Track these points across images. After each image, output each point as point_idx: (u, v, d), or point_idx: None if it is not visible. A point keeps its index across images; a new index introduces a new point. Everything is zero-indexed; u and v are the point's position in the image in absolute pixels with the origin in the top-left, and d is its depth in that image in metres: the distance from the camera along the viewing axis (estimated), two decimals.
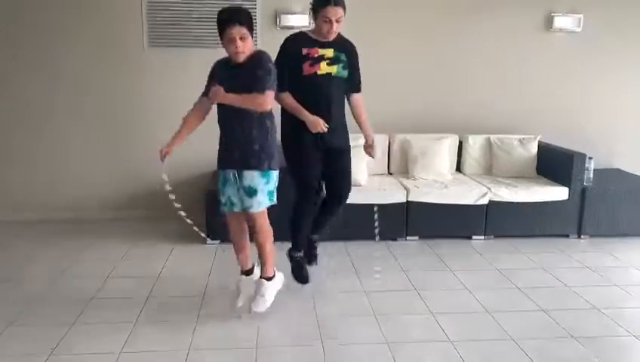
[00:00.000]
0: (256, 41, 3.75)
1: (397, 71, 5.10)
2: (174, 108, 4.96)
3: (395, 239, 4.57)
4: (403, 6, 5.03)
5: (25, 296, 3.42)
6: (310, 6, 3.24)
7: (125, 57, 4.87)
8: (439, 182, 4.73)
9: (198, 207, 4.60)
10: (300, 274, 3.50)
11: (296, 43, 3.22)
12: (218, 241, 4.39)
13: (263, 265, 3.15)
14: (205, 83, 3.07)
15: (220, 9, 2.94)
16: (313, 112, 3.19)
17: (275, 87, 2.93)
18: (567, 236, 4.73)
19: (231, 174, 3.00)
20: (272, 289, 3.15)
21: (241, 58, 2.86)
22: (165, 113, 4.94)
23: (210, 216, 4.34)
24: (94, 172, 5.05)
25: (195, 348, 2.85)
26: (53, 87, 4.88)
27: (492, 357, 2.82)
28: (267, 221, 3.07)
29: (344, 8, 3.16)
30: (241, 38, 2.81)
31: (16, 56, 4.80)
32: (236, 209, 3.06)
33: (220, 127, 3.04)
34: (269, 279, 3.14)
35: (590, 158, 4.69)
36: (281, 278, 3.26)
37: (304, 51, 3.19)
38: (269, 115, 2.97)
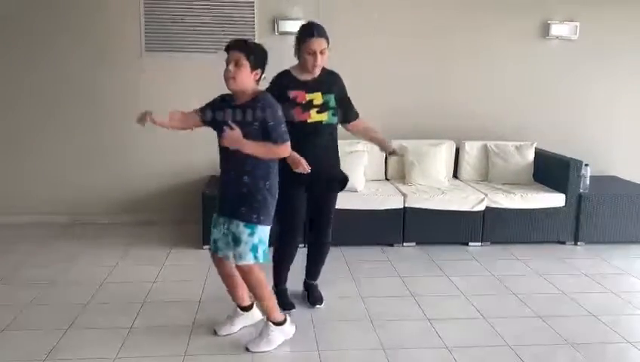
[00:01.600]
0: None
1: (393, 77, 5.12)
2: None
3: (391, 245, 4.58)
4: (400, 14, 5.06)
5: (19, 300, 3.40)
6: (294, 41, 3.14)
7: (123, 62, 4.88)
8: (436, 188, 4.74)
9: (194, 210, 4.62)
10: (284, 302, 3.32)
11: (282, 85, 3.10)
12: None
13: (264, 311, 2.96)
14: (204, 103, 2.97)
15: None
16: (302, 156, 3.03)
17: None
18: (564, 243, 4.74)
19: (221, 219, 2.87)
20: (279, 335, 2.92)
21: (232, 85, 2.73)
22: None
23: (207, 219, 4.32)
24: (90, 176, 5.04)
25: (191, 353, 2.84)
26: (51, 92, 4.88)
27: None
28: (254, 277, 2.82)
29: (327, 40, 3.08)
30: (236, 64, 2.70)
31: (14, 61, 4.81)
32: (220, 254, 2.91)
33: (220, 160, 2.91)
34: (275, 323, 2.93)
35: (586, 165, 4.71)
36: (292, 330, 2.99)
37: (291, 95, 3.07)
38: (272, 163, 2.83)
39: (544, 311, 3.42)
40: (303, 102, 3.10)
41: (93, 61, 4.86)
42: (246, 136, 2.69)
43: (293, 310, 3.32)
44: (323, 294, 3.51)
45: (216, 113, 2.85)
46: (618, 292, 3.76)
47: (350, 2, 4.95)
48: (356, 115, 3.41)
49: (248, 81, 2.74)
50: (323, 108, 3.14)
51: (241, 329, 3.07)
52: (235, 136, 2.67)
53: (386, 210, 4.50)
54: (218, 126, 2.81)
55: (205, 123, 2.92)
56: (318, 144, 3.16)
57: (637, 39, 5.32)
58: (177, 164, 5.09)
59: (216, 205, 2.93)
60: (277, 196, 2.88)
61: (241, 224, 2.76)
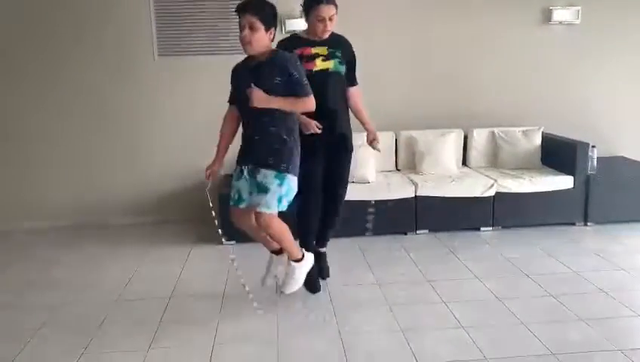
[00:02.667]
0: None
1: (399, 68, 5.23)
2: (186, 114, 5.17)
3: (405, 233, 4.69)
4: (404, 3, 5.15)
5: (50, 300, 3.56)
6: (301, 7, 3.27)
7: (137, 67, 5.02)
8: (446, 176, 4.84)
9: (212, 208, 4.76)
10: (310, 283, 3.46)
11: (289, 46, 3.20)
12: (234, 242, 4.51)
13: (287, 252, 3.15)
14: (230, 90, 3.13)
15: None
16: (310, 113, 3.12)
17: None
18: (574, 224, 4.83)
19: (246, 169, 3.00)
20: (300, 270, 3.16)
21: (249, 49, 2.83)
22: (177, 120, 5.13)
23: (225, 217, 4.46)
24: (111, 178, 5.20)
25: (219, 343, 2.98)
26: (69, 98, 5.04)
27: (503, 340, 2.93)
28: (276, 221, 2.96)
29: (336, 6, 3.19)
30: (251, 27, 2.78)
31: (34, 70, 4.97)
32: (242, 205, 3.04)
33: (243, 123, 3.03)
34: (297, 261, 3.15)
35: (593, 147, 4.79)
36: (310, 259, 3.24)
37: (297, 52, 3.16)
38: (295, 120, 2.97)
39: (556, 289, 3.53)
40: (309, 54, 3.19)
41: (108, 67, 5.01)
42: (268, 92, 2.80)
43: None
44: (339, 281, 3.65)
45: (238, 81, 2.97)
46: (628, 269, 3.85)
47: None
48: (356, 81, 3.49)
49: (264, 41, 2.85)
50: (328, 57, 3.23)
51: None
52: (259, 94, 2.78)
53: (398, 200, 4.62)
54: (240, 91, 2.92)
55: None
56: (327, 91, 3.19)
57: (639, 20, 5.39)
58: (193, 165, 5.21)
59: (238, 157, 3.05)
60: (300, 152, 2.99)
61: (271, 174, 2.87)
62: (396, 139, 5.16)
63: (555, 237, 4.54)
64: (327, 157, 3.37)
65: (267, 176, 2.89)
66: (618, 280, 3.67)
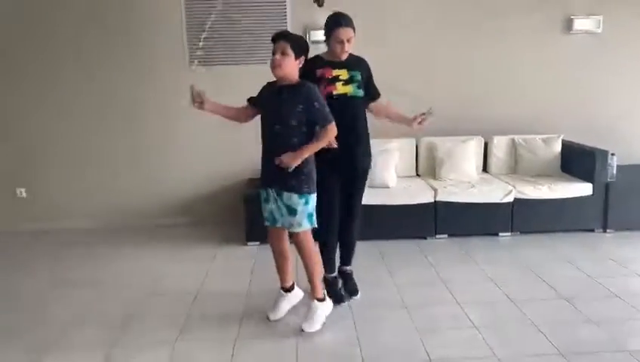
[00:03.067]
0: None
1: (421, 76, 5.36)
2: (215, 122, 5.37)
3: (424, 237, 4.81)
4: (427, 13, 5.30)
5: (86, 294, 3.81)
6: (324, 31, 3.43)
7: (167, 75, 5.28)
8: (466, 182, 4.95)
9: (236, 210, 4.99)
10: (336, 294, 3.58)
11: (311, 66, 3.31)
12: (258, 243, 4.71)
13: (311, 285, 3.28)
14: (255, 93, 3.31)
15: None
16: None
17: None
18: (593, 230, 4.88)
19: (272, 192, 3.17)
20: (322, 311, 3.25)
21: (277, 72, 3.05)
22: (207, 128, 5.34)
23: (249, 219, 4.67)
24: (137, 183, 5.47)
25: (242, 338, 3.16)
26: (105, 104, 5.33)
27: (513, 340, 3.05)
28: (310, 242, 3.19)
29: (354, 29, 3.36)
30: (282, 53, 3.01)
31: (72, 76, 5.26)
32: (278, 224, 3.21)
33: (263, 145, 3.21)
34: (319, 300, 3.27)
35: (612, 155, 4.84)
36: (330, 304, 3.34)
37: (318, 72, 3.32)
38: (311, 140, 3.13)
39: (569, 293, 3.62)
40: (330, 76, 3.35)
41: (141, 75, 5.28)
42: (289, 114, 3.01)
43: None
44: (359, 282, 3.77)
45: (265, 102, 3.17)
46: None
47: (371, 10, 5.21)
48: (378, 94, 3.63)
49: (292, 67, 3.06)
50: (348, 81, 3.38)
51: (288, 310, 3.38)
52: (289, 157, 2.98)
53: (418, 205, 4.75)
54: (265, 108, 3.15)
55: (256, 109, 3.26)
56: (346, 115, 3.32)
57: None
58: (218, 169, 5.46)
59: (261, 179, 3.22)
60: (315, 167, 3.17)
61: (295, 196, 3.07)
62: (417, 146, 5.30)
63: (573, 244, 4.61)
64: (344, 177, 3.50)
65: (292, 198, 3.09)
66: (632, 286, 3.74)
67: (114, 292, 3.87)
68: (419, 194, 4.79)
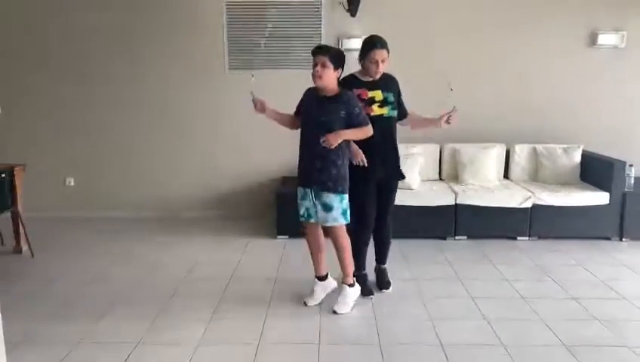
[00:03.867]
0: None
1: (447, 85, 5.58)
2: (249, 122, 5.73)
3: (444, 238, 5.06)
4: (454, 25, 5.56)
5: (131, 276, 4.19)
6: (360, 50, 3.71)
7: (210, 79, 5.66)
8: (486, 187, 5.18)
9: (269, 206, 5.33)
10: (365, 288, 3.83)
11: (348, 84, 3.63)
12: (287, 236, 5.02)
13: (343, 272, 3.60)
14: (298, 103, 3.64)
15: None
16: (366, 149, 3.56)
17: None
18: (609, 238, 5.05)
19: (309, 191, 3.47)
20: (352, 295, 3.59)
21: (318, 82, 3.37)
22: (244, 128, 5.70)
23: (280, 214, 4.99)
24: (178, 177, 5.86)
25: (271, 315, 3.49)
26: (149, 103, 5.74)
27: (521, 332, 3.29)
28: (344, 236, 3.51)
29: (388, 51, 3.64)
30: (322, 65, 3.32)
31: (122, 77, 5.70)
32: (313, 220, 3.51)
33: (302, 148, 3.53)
34: (350, 285, 3.61)
35: (630, 166, 5.01)
36: (358, 289, 3.66)
37: (356, 92, 3.56)
38: (345, 146, 3.46)
39: (580, 294, 3.83)
40: (366, 98, 3.65)
41: (186, 78, 5.68)
42: (334, 121, 3.35)
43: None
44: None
45: (308, 108, 3.50)
46: None
47: (400, 19, 5.49)
48: (407, 113, 3.94)
49: (332, 78, 3.39)
50: (383, 103, 3.68)
51: (323, 297, 3.68)
52: (331, 137, 3.29)
53: (439, 206, 5.00)
54: (307, 114, 3.48)
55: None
56: (381, 136, 3.63)
57: None
58: (252, 167, 5.81)
59: (299, 179, 3.54)
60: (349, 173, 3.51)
61: (332, 195, 3.40)
62: (441, 151, 5.55)
63: (588, 250, 4.79)
64: (378, 190, 3.79)
65: (329, 196, 3.42)
66: (639, 290, 3.93)
67: (153, 274, 4.23)
68: (440, 196, 5.04)
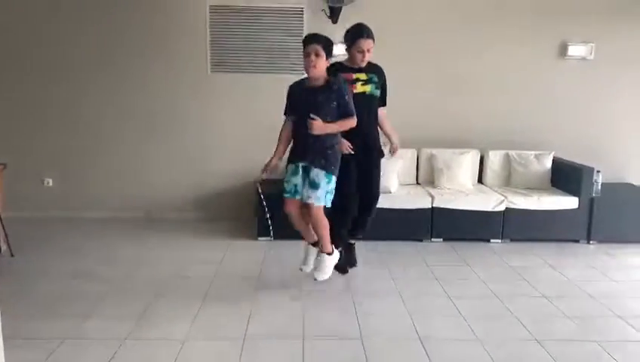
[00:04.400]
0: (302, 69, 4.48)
1: (424, 93, 5.79)
2: (232, 124, 5.81)
3: (421, 240, 5.21)
4: (429, 37, 5.74)
5: (113, 276, 4.21)
6: (344, 36, 3.93)
7: (192, 81, 5.73)
8: (461, 191, 5.36)
9: (249, 208, 5.41)
10: (340, 268, 4.08)
11: (334, 70, 3.80)
12: (268, 238, 5.11)
13: (321, 242, 3.76)
14: (285, 104, 3.78)
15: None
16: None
17: None
18: (578, 241, 5.27)
19: (301, 166, 3.61)
20: (329, 262, 3.77)
21: (313, 72, 3.50)
22: (224, 129, 5.79)
23: (261, 215, 5.07)
24: (162, 179, 5.90)
25: (255, 312, 3.57)
26: (134, 105, 5.78)
27: (495, 327, 3.44)
28: (322, 215, 3.63)
29: (374, 40, 3.85)
30: (316, 55, 3.46)
31: (111, 78, 5.73)
32: (298, 196, 3.63)
33: (298, 132, 3.65)
34: (328, 253, 3.77)
35: (598, 172, 5.24)
36: (337, 255, 3.85)
37: (341, 76, 3.77)
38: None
39: (550, 293, 4.01)
40: (350, 79, 3.82)
41: (167, 79, 5.74)
42: (327, 112, 3.49)
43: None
44: (360, 276, 4.21)
45: (297, 101, 3.63)
46: (618, 280, 4.31)
47: (384, 27, 5.64)
48: (384, 103, 4.12)
49: (324, 67, 3.55)
50: (367, 82, 3.88)
51: (314, 262, 3.84)
52: (318, 124, 3.46)
53: (416, 209, 5.15)
54: (299, 107, 3.61)
55: (293, 115, 3.72)
56: (364, 110, 3.80)
57: None
58: (234, 169, 5.88)
59: (292, 157, 3.67)
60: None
61: (322, 173, 3.54)
62: (418, 156, 5.72)
63: (558, 252, 5.00)
64: (361, 166, 3.97)
65: (319, 174, 3.56)
66: (606, 289, 4.12)
67: (136, 275, 4.27)
68: (417, 199, 5.19)
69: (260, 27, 5.64)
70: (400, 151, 5.40)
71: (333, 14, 5.56)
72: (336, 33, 5.59)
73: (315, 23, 5.62)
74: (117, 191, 5.89)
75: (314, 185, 3.56)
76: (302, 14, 5.64)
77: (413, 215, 5.17)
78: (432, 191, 5.36)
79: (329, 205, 3.68)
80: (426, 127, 5.80)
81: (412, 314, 3.60)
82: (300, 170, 3.64)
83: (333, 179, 3.63)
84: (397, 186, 5.34)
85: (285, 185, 3.69)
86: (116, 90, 5.75)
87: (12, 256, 4.60)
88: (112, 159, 5.86)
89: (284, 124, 3.83)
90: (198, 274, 4.24)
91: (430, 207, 5.17)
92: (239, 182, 5.87)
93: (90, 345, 3.13)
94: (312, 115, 3.49)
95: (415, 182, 5.74)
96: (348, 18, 5.55)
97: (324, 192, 3.59)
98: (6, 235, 4.65)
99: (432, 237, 5.23)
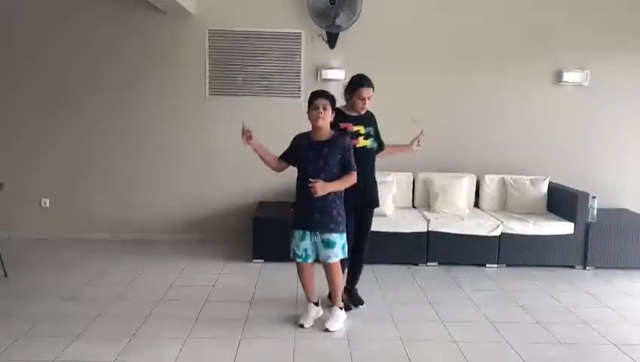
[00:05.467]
0: (299, 91, 4.53)
1: (422, 119, 5.80)
2: (227, 147, 5.84)
3: (416, 264, 5.20)
4: (428, 63, 5.81)
5: (104, 297, 4.20)
6: (344, 86, 4.01)
7: (189, 104, 5.79)
8: (457, 215, 5.36)
9: (245, 230, 5.40)
10: (355, 299, 4.19)
11: (336, 119, 3.82)
12: (262, 261, 5.10)
13: (335, 297, 3.84)
14: (286, 148, 3.79)
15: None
16: None
17: None
18: (574, 267, 5.25)
19: (309, 233, 3.66)
20: (342, 316, 3.82)
21: (321, 123, 3.62)
22: (221, 152, 5.82)
23: (256, 238, 5.08)
24: (157, 201, 5.92)
25: (245, 337, 3.55)
26: (130, 126, 5.82)
27: (487, 354, 3.42)
28: (339, 268, 3.76)
29: (373, 89, 3.94)
30: (324, 108, 3.60)
31: (104, 101, 5.78)
32: (310, 260, 3.72)
33: (300, 192, 3.69)
34: (340, 308, 3.84)
35: (594, 197, 5.25)
36: (345, 315, 3.88)
37: (341, 125, 3.84)
38: None
39: (544, 318, 3.99)
40: (352, 131, 3.90)
41: (164, 102, 5.79)
42: (333, 165, 3.60)
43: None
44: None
45: (301, 154, 3.68)
46: (613, 307, 4.28)
47: (377, 53, 5.72)
48: (384, 145, 4.21)
49: (329, 120, 3.67)
50: (366, 136, 3.96)
51: (314, 319, 3.83)
52: (321, 185, 3.53)
53: (412, 233, 5.15)
54: (304, 160, 3.66)
55: (289, 163, 3.79)
56: (365, 167, 3.89)
57: None
58: (229, 192, 5.90)
59: (298, 222, 3.70)
60: None
61: (336, 234, 3.64)
62: (414, 180, 5.73)
63: (554, 277, 4.98)
64: (357, 216, 4.02)
65: (332, 236, 3.65)
66: (601, 316, 4.09)
67: (128, 296, 4.26)
68: (413, 223, 5.19)
69: (258, 52, 5.71)
70: (396, 175, 5.53)
71: (331, 39, 5.64)
72: (333, 58, 5.72)
73: (312, 48, 5.70)
74: (112, 213, 5.91)
75: (330, 245, 3.65)
76: (300, 39, 5.71)
77: (409, 238, 5.16)
78: (428, 215, 5.37)
79: (346, 255, 3.75)
80: (423, 151, 5.77)
81: (404, 339, 3.57)
82: (309, 236, 3.69)
83: (344, 234, 3.71)
84: (393, 210, 5.34)
85: (295, 249, 3.74)
86: (113, 113, 5.80)
87: (5, 275, 4.59)
88: (108, 181, 5.89)
89: (278, 157, 3.83)
90: (190, 297, 4.23)
91: (426, 230, 5.17)
92: (235, 204, 5.88)
93: None
94: (311, 179, 3.53)
95: (411, 205, 5.74)
96: (345, 43, 5.66)
97: (340, 248, 3.69)
98: (0, 255, 4.65)
99: (427, 261, 5.21)
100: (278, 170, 3.82)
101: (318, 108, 3.61)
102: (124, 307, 4.02)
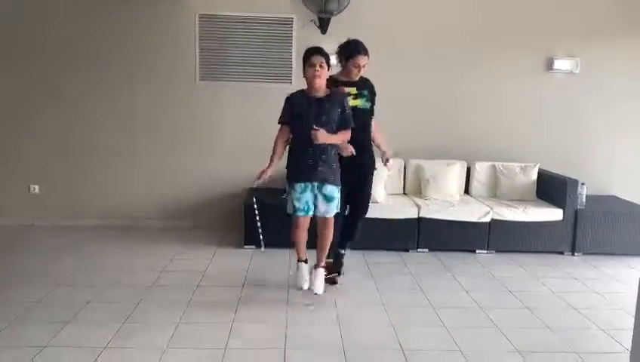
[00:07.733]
0: (291, 77, 4.51)
1: (413, 105, 5.83)
2: (218, 133, 5.82)
3: (407, 250, 5.23)
4: (419, 51, 5.80)
5: (98, 282, 4.20)
6: (338, 50, 4.01)
7: (180, 89, 5.75)
8: (448, 202, 5.39)
9: (237, 216, 5.40)
10: (329, 278, 4.20)
11: (332, 82, 3.92)
12: (253, 246, 5.11)
13: (322, 256, 3.94)
14: (281, 113, 3.85)
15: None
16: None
17: None
18: (562, 253, 5.31)
19: (311, 185, 3.74)
20: (323, 276, 3.94)
21: (318, 82, 3.65)
22: (210, 138, 5.80)
23: (248, 224, 5.07)
24: (148, 187, 5.89)
25: (237, 321, 3.56)
26: (123, 114, 5.78)
27: (477, 339, 3.45)
28: (332, 227, 3.87)
29: (369, 56, 3.97)
30: (320, 66, 3.63)
31: (98, 88, 5.73)
32: (311, 213, 3.80)
33: (300, 148, 3.76)
34: (322, 267, 3.96)
35: (583, 184, 5.29)
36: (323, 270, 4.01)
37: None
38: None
39: (532, 304, 4.03)
40: (343, 93, 3.91)
41: (155, 87, 5.75)
42: (331, 122, 3.68)
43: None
44: (346, 286, 4.23)
45: (301, 111, 3.72)
46: (601, 292, 4.33)
47: (369, 39, 5.69)
48: (372, 113, 4.19)
49: (325, 77, 3.71)
50: (357, 96, 3.99)
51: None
52: (323, 134, 3.62)
53: (403, 219, 5.17)
54: (303, 116, 3.70)
55: (291, 124, 3.83)
56: (359, 129, 3.90)
57: (631, 71, 5.93)
58: (221, 178, 5.88)
59: (299, 176, 3.76)
60: None
61: (334, 187, 3.77)
62: (405, 166, 5.74)
63: (542, 263, 5.03)
64: (353, 178, 4.04)
65: (332, 189, 3.77)
66: (588, 301, 4.15)
67: (121, 281, 4.25)
68: (404, 210, 5.22)
69: (249, 36, 5.67)
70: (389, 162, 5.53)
71: (323, 25, 5.60)
72: (325, 43, 5.67)
73: (304, 33, 5.66)
74: (103, 199, 5.87)
75: (330, 200, 3.77)
76: (291, 24, 5.67)
77: (400, 225, 5.19)
78: (419, 201, 5.39)
79: (339, 210, 3.89)
80: (414, 138, 5.82)
81: (395, 324, 3.60)
82: (312, 188, 3.75)
83: (340, 189, 3.84)
84: (384, 196, 5.35)
85: (296, 203, 3.78)
86: (104, 98, 5.74)
87: None
88: (98, 166, 5.85)
89: (279, 132, 3.89)
90: (181, 283, 4.23)
91: (416, 217, 5.20)
92: (227, 190, 5.87)
93: (70, 352, 3.11)
94: (314, 126, 3.61)
95: (402, 192, 5.76)
96: (337, 28, 5.62)
97: (335, 204, 3.82)
98: None
99: (417, 248, 5.25)
100: (288, 140, 3.86)
101: (314, 65, 3.64)
102: (116, 292, 4.02)
